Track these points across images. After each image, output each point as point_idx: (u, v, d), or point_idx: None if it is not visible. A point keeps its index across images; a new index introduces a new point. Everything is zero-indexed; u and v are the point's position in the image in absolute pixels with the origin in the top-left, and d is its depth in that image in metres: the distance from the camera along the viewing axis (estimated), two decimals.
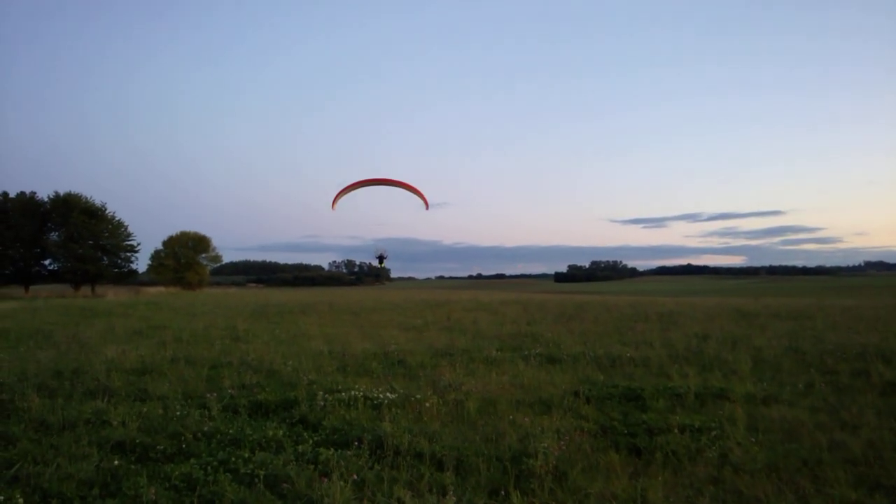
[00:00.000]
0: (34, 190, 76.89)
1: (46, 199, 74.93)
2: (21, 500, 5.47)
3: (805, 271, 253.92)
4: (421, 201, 17.77)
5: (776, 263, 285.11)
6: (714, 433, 7.55)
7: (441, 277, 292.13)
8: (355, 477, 5.97)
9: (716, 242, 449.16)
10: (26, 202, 73.47)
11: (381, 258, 24.24)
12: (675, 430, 7.59)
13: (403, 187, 17.63)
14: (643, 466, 6.70)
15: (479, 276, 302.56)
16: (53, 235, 74.64)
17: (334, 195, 17.85)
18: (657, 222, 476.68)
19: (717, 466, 6.57)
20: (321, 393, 9.46)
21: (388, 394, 9.49)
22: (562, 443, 7.03)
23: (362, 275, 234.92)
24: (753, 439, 7.35)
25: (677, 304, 34.52)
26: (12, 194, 73.90)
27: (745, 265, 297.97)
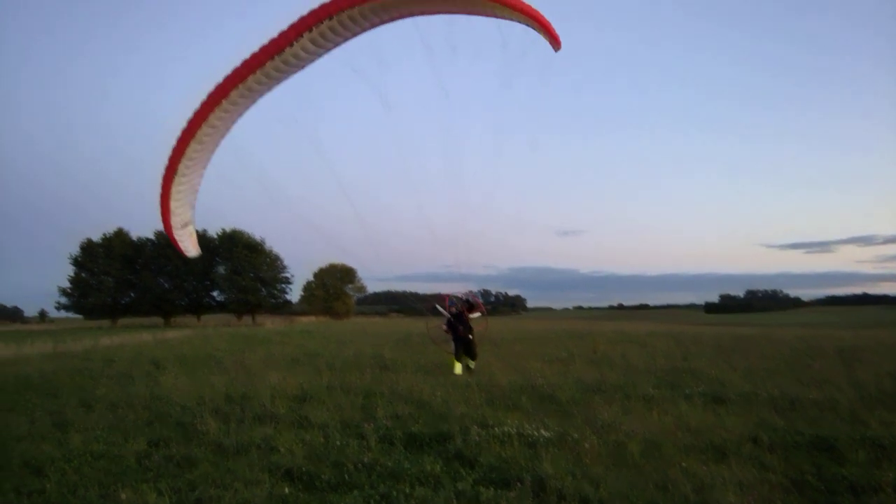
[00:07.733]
0: (205, 227, 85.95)
1: (215, 235, 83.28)
2: None
3: None
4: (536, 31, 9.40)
5: None
6: None
7: (579, 308, 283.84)
8: None
9: None
10: (198, 238, 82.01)
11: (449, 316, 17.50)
12: (889, 490, 6.49)
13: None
14: None
15: (621, 307, 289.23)
16: (220, 269, 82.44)
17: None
18: (822, 246, 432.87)
19: None
20: (475, 427, 9.27)
21: (542, 431, 9.10)
22: (749, 497, 6.24)
23: (498, 304, 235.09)
24: None
25: (858, 338, 30.64)
26: None
27: None
